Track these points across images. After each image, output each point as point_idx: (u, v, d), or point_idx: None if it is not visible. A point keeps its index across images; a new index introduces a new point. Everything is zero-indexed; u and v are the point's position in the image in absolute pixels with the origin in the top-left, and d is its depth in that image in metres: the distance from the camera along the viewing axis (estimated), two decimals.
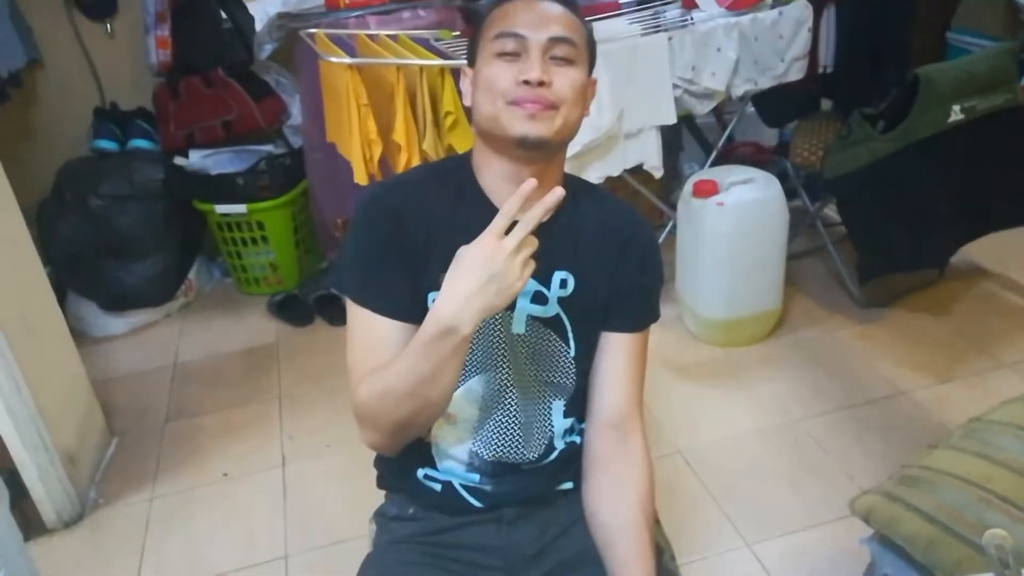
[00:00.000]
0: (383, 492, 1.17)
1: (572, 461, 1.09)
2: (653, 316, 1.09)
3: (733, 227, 2.19)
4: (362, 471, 1.21)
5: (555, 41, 0.94)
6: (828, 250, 2.63)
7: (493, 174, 1.00)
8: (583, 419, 1.09)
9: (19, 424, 1.75)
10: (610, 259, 1.04)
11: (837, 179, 2.16)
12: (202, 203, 2.72)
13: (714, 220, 2.20)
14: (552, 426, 1.07)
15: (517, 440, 1.05)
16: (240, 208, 2.68)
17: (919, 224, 2.17)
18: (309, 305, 2.68)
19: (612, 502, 1.02)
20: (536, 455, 1.06)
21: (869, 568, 1.27)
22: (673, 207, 2.61)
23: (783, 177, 2.43)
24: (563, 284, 1.02)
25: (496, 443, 1.04)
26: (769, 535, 1.69)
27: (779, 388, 2.16)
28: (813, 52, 2.40)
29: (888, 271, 2.36)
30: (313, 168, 2.72)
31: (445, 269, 0.86)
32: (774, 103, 2.67)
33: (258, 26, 2.67)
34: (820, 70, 2.48)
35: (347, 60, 1.91)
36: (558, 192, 0.86)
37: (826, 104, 2.80)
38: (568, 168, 1.06)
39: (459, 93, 1.34)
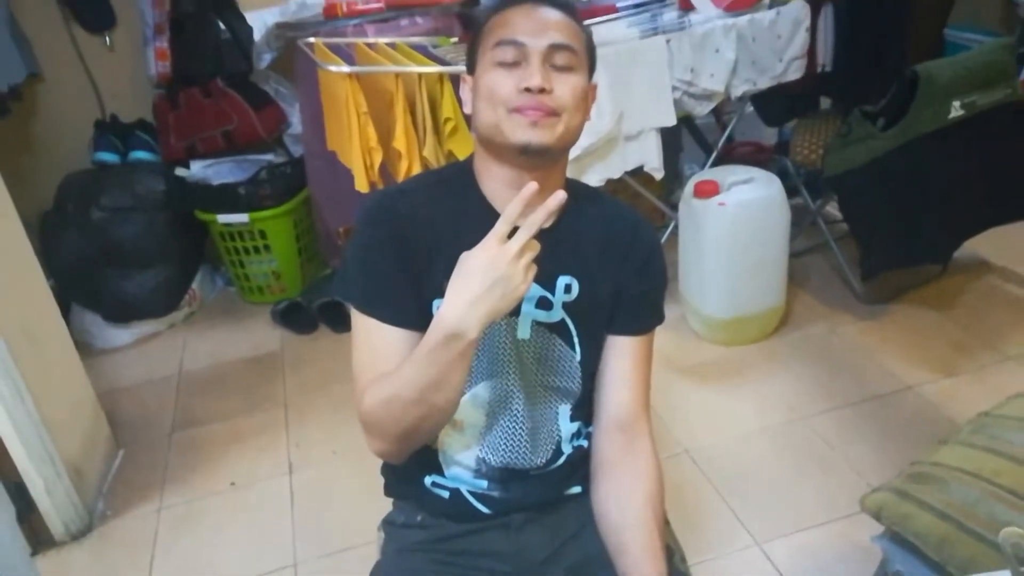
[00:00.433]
0: (391, 500, 1.17)
1: (580, 465, 1.08)
2: (658, 318, 1.09)
3: (735, 227, 2.19)
4: (369, 477, 1.21)
5: (555, 48, 0.94)
6: (830, 247, 2.62)
7: (495, 181, 1.00)
8: (590, 423, 1.09)
9: (24, 436, 1.75)
10: (614, 263, 1.04)
11: (838, 176, 2.16)
12: (204, 213, 2.73)
13: (716, 220, 2.20)
14: (559, 431, 1.06)
15: (524, 445, 1.05)
16: (242, 217, 2.69)
17: (921, 220, 2.17)
18: (313, 312, 2.68)
19: (621, 505, 1.01)
20: (544, 460, 1.06)
21: (881, 565, 1.27)
22: (674, 208, 2.61)
23: (783, 175, 2.43)
24: (568, 289, 1.02)
25: (503, 449, 1.04)
26: (779, 533, 1.69)
27: (784, 386, 2.16)
28: (811, 51, 2.40)
29: (891, 267, 2.36)
30: (314, 176, 2.72)
31: (448, 276, 0.86)
32: (773, 102, 2.68)
33: (256, 36, 2.68)
34: (819, 69, 2.48)
35: (346, 69, 1.92)
36: (560, 195, 0.86)
37: (825, 103, 2.80)
38: (568, 172, 1.06)
39: (458, 100, 1.34)
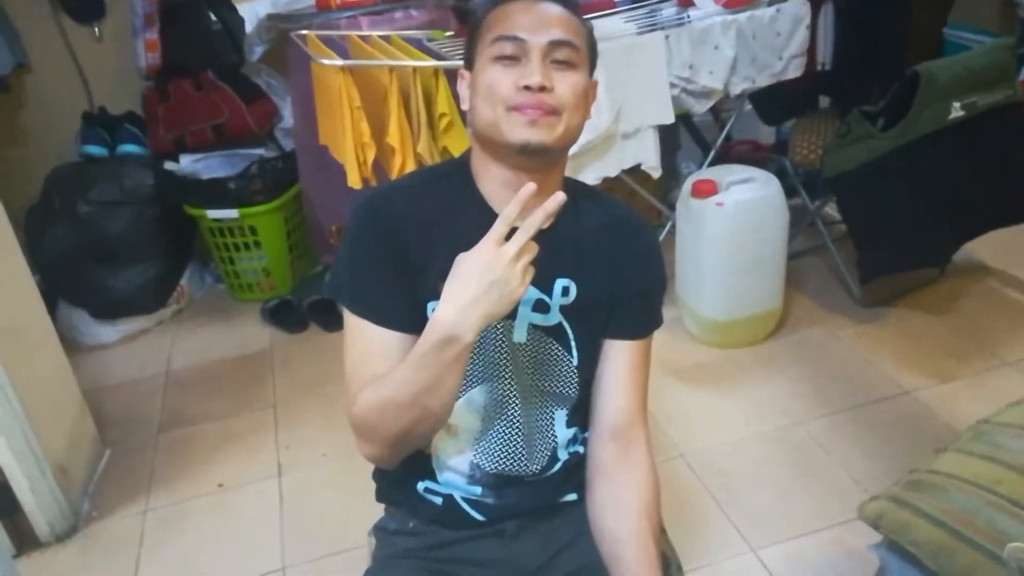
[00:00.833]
0: (382, 505, 1.14)
1: (576, 472, 1.06)
2: (656, 322, 1.06)
3: (733, 227, 2.17)
4: (360, 481, 1.19)
5: (556, 44, 0.92)
6: (828, 248, 2.61)
7: (493, 180, 0.97)
8: (587, 429, 1.06)
9: (7, 433, 1.72)
10: (612, 266, 1.01)
11: (837, 177, 2.15)
12: (193, 208, 2.69)
13: (714, 220, 2.17)
14: (555, 436, 1.04)
15: (520, 451, 1.02)
16: (232, 213, 2.65)
17: (920, 222, 2.16)
18: (303, 311, 2.64)
19: (617, 512, 0.99)
20: (539, 466, 1.04)
21: (879, 573, 1.25)
22: (671, 207, 2.59)
23: (781, 175, 2.41)
24: (565, 292, 1.00)
25: (498, 455, 1.02)
26: (774, 540, 1.67)
27: (780, 389, 2.14)
28: (811, 50, 2.39)
29: (889, 271, 2.34)
30: (306, 171, 2.69)
31: (444, 278, 0.85)
32: (772, 101, 2.66)
33: (248, 28, 2.64)
34: (818, 67, 2.47)
35: (339, 62, 1.89)
36: (559, 197, 0.84)
37: (824, 102, 2.79)
38: (565, 170, 1.03)
39: (454, 95, 1.31)
